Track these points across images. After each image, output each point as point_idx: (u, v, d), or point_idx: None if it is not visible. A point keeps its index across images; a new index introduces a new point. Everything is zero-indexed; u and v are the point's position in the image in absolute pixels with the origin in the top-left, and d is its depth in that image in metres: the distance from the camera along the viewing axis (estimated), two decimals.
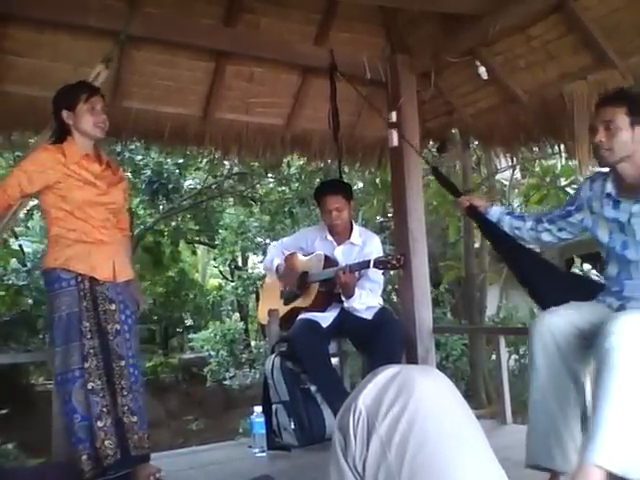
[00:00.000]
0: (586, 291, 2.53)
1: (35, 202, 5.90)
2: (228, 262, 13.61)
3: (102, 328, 2.65)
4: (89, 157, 2.78)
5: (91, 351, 2.61)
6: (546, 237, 2.72)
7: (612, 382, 1.89)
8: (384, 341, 3.41)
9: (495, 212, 2.92)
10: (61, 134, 2.79)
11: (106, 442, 2.57)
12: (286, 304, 3.80)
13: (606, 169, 2.48)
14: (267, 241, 9.98)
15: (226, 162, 8.57)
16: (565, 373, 2.26)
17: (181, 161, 9.99)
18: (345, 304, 3.60)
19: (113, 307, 2.71)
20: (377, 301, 3.70)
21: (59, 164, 2.67)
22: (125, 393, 2.66)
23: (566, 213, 2.63)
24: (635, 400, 1.88)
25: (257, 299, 11.38)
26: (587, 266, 8.39)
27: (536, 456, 2.27)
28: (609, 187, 2.41)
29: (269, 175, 10.51)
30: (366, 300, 3.60)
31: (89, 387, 2.58)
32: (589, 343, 2.17)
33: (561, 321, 2.29)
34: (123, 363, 2.68)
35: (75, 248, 2.68)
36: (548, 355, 2.27)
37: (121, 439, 2.61)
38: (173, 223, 11.78)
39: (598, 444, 1.82)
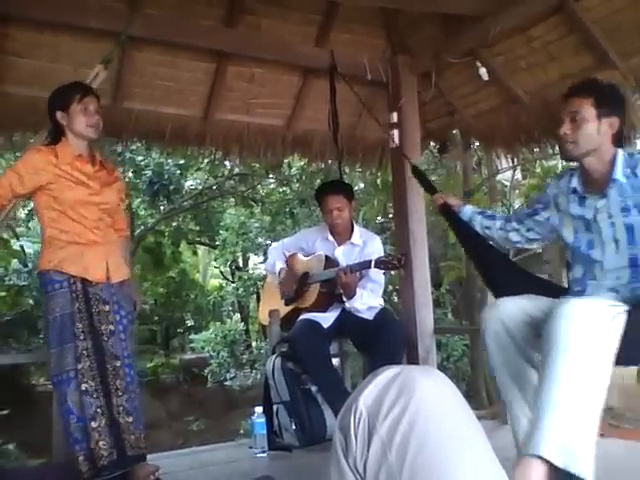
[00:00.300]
0: (550, 292, 2.42)
1: None
2: (229, 263, 13.61)
3: (95, 329, 2.66)
4: (82, 157, 2.79)
5: (84, 352, 2.62)
6: (514, 237, 2.67)
7: (557, 369, 1.79)
8: (385, 342, 3.40)
9: (467, 211, 2.88)
10: (56, 135, 2.80)
11: (100, 443, 2.58)
12: (287, 304, 3.80)
13: (574, 164, 2.43)
14: (268, 242, 9.98)
15: (227, 163, 8.57)
16: (519, 357, 2.22)
17: (182, 162, 9.99)
18: (346, 304, 3.60)
19: (107, 308, 2.72)
20: (378, 301, 3.70)
21: (50, 165, 2.69)
22: (120, 393, 2.66)
23: (533, 212, 2.58)
24: (581, 388, 1.76)
25: (258, 300, 11.37)
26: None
27: (518, 445, 2.23)
28: (575, 182, 2.36)
29: (270, 176, 10.51)
30: (367, 300, 3.60)
31: (83, 388, 2.59)
32: (540, 332, 2.06)
33: (512, 308, 2.25)
34: (118, 363, 2.68)
35: (68, 250, 2.70)
36: (500, 341, 2.24)
37: (117, 439, 2.61)
38: (174, 224, 11.79)
39: (540, 434, 1.71)
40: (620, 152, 2.28)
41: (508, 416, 2.32)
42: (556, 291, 2.46)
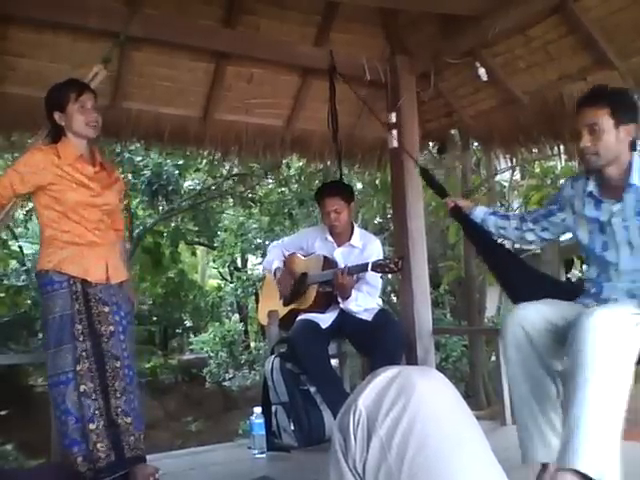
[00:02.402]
0: (565, 293, 2.48)
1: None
2: (227, 263, 13.62)
3: (95, 330, 2.64)
4: (83, 158, 2.77)
5: (83, 354, 2.60)
6: (530, 237, 2.70)
7: (585, 382, 1.85)
8: (384, 342, 3.40)
9: (479, 212, 2.90)
10: (56, 134, 2.78)
11: (98, 445, 2.56)
12: (285, 305, 3.80)
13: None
14: (267, 242, 9.97)
15: (226, 163, 8.57)
16: (538, 365, 2.23)
17: (181, 162, 9.99)
18: (341, 305, 3.60)
19: (106, 309, 2.70)
20: (375, 303, 3.71)
21: (53, 165, 2.67)
22: (119, 395, 2.65)
23: (548, 212, 2.61)
24: (608, 400, 1.84)
25: (257, 300, 11.37)
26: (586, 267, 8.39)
27: (526, 452, 2.26)
28: (591, 186, 2.37)
29: (269, 176, 10.51)
30: (363, 302, 3.61)
31: (81, 390, 2.58)
32: (562, 339, 2.12)
33: (534, 315, 2.26)
34: (118, 364, 2.67)
35: (68, 250, 2.68)
36: (520, 348, 2.25)
37: (115, 441, 2.60)
38: (172, 224, 11.78)
39: (574, 448, 1.79)
40: (636, 157, 2.30)
41: (517, 424, 2.31)
42: (572, 291, 2.50)
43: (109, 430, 2.59)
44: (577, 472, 1.75)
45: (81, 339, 2.61)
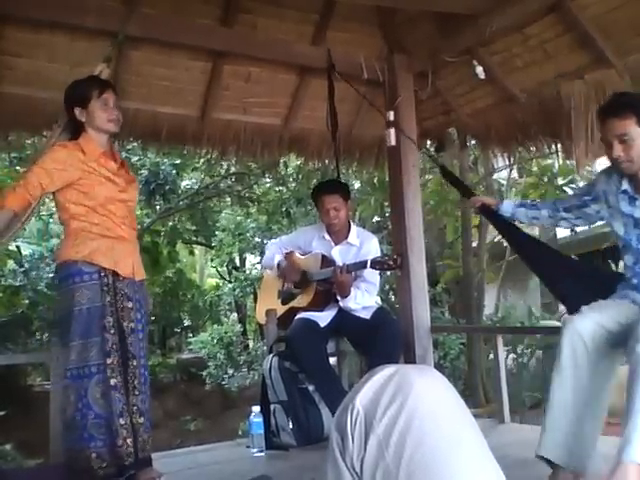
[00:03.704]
0: (607, 281, 2.62)
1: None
2: (226, 263, 13.60)
3: (120, 325, 2.62)
4: (106, 154, 2.76)
5: (114, 347, 2.57)
6: (563, 224, 2.88)
7: None
8: (382, 340, 3.41)
9: (507, 207, 3.02)
10: (74, 130, 2.77)
11: (128, 440, 2.54)
12: (284, 304, 3.80)
13: None
14: (264, 241, 9.96)
15: (223, 162, 8.56)
16: (590, 377, 2.29)
17: (178, 161, 9.97)
18: (340, 303, 3.61)
19: (130, 305, 2.68)
20: (373, 300, 3.71)
21: (79, 161, 2.65)
22: (137, 393, 2.63)
23: (582, 203, 2.71)
24: None
25: (255, 299, 11.36)
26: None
27: (548, 450, 2.30)
28: (625, 184, 2.46)
29: (266, 175, 10.49)
30: (361, 300, 3.61)
31: (112, 383, 2.54)
32: (618, 342, 2.24)
33: (591, 324, 2.32)
34: (136, 363, 2.65)
35: (99, 242, 2.64)
36: (576, 359, 2.30)
37: (134, 439, 2.59)
38: (170, 223, 11.76)
39: (635, 444, 1.87)
40: None
41: (546, 428, 2.34)
42: (612, 278, 2.64)
43: (133, 427, 2.58)
44: (638, 465, 1.84)
45: (112, 332, 2.58)
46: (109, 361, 2.56)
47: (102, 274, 2.61)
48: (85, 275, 2.60)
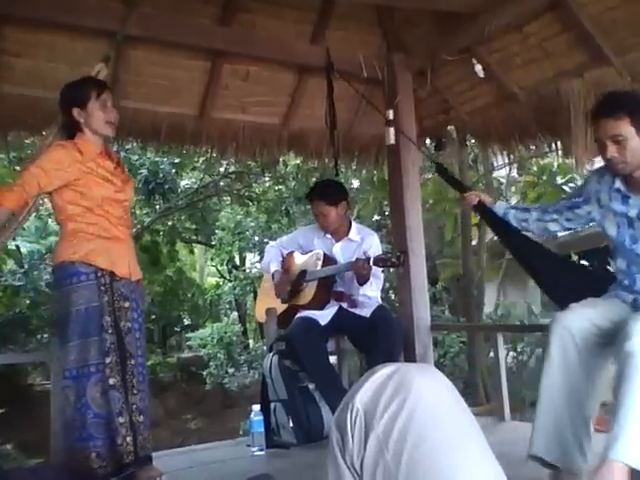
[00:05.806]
0: (599, 281, 2.59)
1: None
2: (225, 261, 13.61)
3: (118, 325, 2.63)
4: (102, 154, 2.77)
5: (112, 346, 2.58)
6: (553, 227, 2.76)
7: (635, 384, 1.93)
8: (382, 339, 3.41)
9: (500, 207, 3.00)
10: (71, 130, 2.76)
11: (127, 438, 2.55)
12: (284, 302, 3.80)
13: None
14: (264, 240, 9.96)
15: (222, 161, 8.56)
16: (580, 375, 2.28)
17: (177, 160, 9.96)
18: (360, 290, 3.62)
19: (127, 305, 2.69)
20: (378, 294, 3.73)
21: (76, 162, 2.65)
22: (135, 392, 2.64)
23: (573, 205, 2.66)
24: None
25: (255, 298, 11.36)
26: (584, 263, 8.40)
27: (540, 449, 2.29)
28: (618, 183, 2.42)
29: (266, 174, 10.49)
30: (368, 292, 3.64)
31: (111, 383, 2.56)
32: (608, 341, 2.22)
33: (581, 320, 2.30)
34: (133, 361, 2.66)
35: (95, 242, 2.65)
36: (566, 355, 2.29)
37: (134, 438, 2.59)
38: (169, 222, 11.76)
39: (622, 442, 1.86)
40: None
41: (537, 425, 2.32)
42: (605, 278, 2.59)
43: (132, 426, 2.59)
44: (623, 464, 1.84)
45: (110, 331, 2.59)
46: (108, 360, 2.57)
47: (99, 274, 2.63)
48: (82, 276, 2.62)
